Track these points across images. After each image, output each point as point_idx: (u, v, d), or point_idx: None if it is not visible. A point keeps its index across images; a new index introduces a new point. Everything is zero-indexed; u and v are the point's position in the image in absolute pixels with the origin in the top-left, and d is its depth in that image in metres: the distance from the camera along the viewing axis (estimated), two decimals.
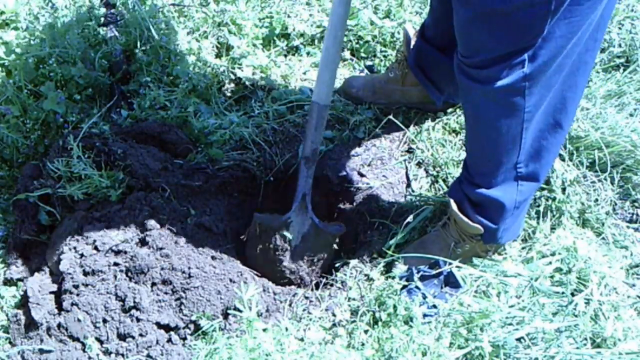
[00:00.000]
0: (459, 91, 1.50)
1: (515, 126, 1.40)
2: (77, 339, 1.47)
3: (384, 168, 1.99)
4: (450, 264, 1.62)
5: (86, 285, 1.52)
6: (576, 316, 1.50)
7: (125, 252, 1.58)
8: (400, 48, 2.06)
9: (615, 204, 1.90)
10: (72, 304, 1.49)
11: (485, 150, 1.51)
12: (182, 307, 1.55)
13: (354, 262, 1.69)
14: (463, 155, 1.99)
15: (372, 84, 2.12)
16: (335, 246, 1.87)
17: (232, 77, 2.27)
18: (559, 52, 1.26)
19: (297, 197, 1.78)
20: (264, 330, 1.53)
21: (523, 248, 1.76)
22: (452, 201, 1.63)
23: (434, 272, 1.61)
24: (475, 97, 1.39)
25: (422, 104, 2.08)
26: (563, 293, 1.57)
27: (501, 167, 1.50)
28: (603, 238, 1.80)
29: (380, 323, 1.51)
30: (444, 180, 1.94)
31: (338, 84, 2.27)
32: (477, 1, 1.19)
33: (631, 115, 2.06)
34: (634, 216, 1.89)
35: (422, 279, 1.60)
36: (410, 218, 1.79)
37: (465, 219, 1.59)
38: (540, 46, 1.23)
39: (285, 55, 2.40)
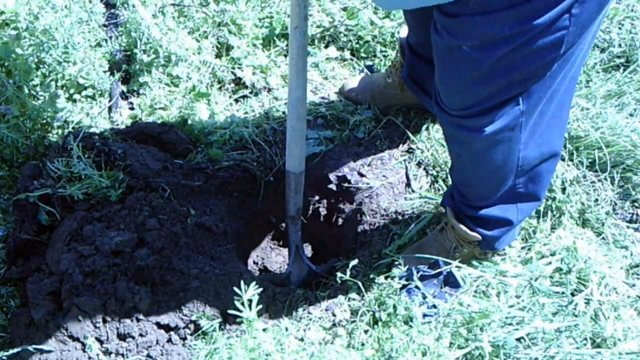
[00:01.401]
0: (447, 138, 1.45)
1: (512, 157, 1.37)
2: (77, 339, 1.47)
3: (384, 168, 1.99)
4: (449, 263, 1.62)
5: (86, 285, 1.52)
6: (576, 316, 1.50)
7: (125, 252, 1.57)
8: (397, 50, 2.05)
9: (615, 204, 1.90)
10: (72, 304, 1.49)
11: (482, 181, 1.48)
12: (182, 307, 1.55)
13: (354, 262, 1.69)
14: None
15: (370, 88, 2.11)
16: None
17: (232, 77, 2.27)
18: (554, 81, 1.23)
19: (290, 251, 1.86)
20: (264, 330, 1.53)
21: (523, 248, 1.76)
22: (449, 209, 1.62)
23: (433, 272, 1.61)
24: (472, 144, 1.35)
25: (422, 105, 2.08)
26: (563, 293, 1.57)
27: (499, 192, 1.49)
28: (603, 238, 1.80)
29: (380, 323, 1.50)
30: (444, 181, 1.94)
31: (338, 86, 2.27)
32: (483, 58, 1.12)
33: (631, 115, 2.06)
34: (634, 216, 1.89)
35: (422, 279, 1.60)
36: (411, 222, 1.79)
37: (464, 228, 1.59)
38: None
39: (285, 55, 2.40)
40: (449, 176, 1.93)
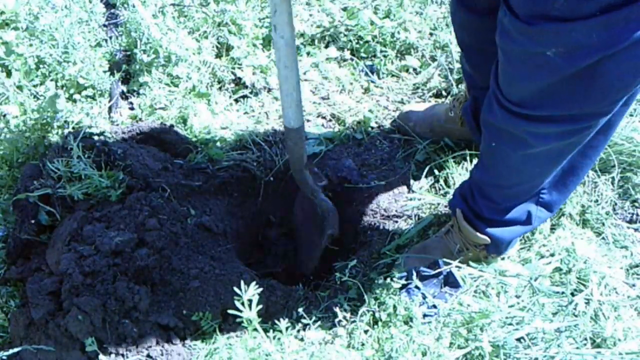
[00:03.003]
0: (498, 138, 1.35)
1: (565, 159, 1.35)
2: (77, 339, 1.47)
3: (384, 168, 1.99)
4: (449, 264, 1.62)
5: (86, 285, 1.52)
6: (576, 316, 1.50)
7: (125, 252, 1.58)
8: (462, 84, 1.96)
9: (615, 204, 1.90)
10: (72, 304, 1.49)
11: (526, 181, 1.44)
12: (182, 307, 1.55)
13: (353, 262, 1.69)
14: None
15: (430, 122, 2.03)
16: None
17: (232, 77, 2.27)
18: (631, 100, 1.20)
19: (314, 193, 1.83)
20: (264, 330, 1.53)
21: (522, 248, 1.76)
22: (458, 211, 1.62)
23: (433, 272, 1.61)
24: (535, 148, 1.28)
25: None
26: (563, 293, 1.57)
27: (533, 191, 1.47)
28: (603, 238, 1.80)
29: (380, 323, 1.50)
30: (445, 181, 1.94)
31: (339, 86, 2.27)
32: (567, 66, 1.05)
33: (631, 115, 2.06)
34: (634, 216, 1.89)
35: (422, 279, 1.60)
36: (411, 222, 1.79)
37: (473, 231, 1.58)
38: None
39: None
40: (450, 177, 1.93)
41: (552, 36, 1.01)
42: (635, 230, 1.84)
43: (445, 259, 1.62)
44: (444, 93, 2.24)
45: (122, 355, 1.47)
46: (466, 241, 1.62)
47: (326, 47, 2.42)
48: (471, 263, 1.67)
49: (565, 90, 1.11)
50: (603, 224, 1.81)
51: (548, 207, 1.53)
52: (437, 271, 1.61)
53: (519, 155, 1.34)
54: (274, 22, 1.37)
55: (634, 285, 1.64)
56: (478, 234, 1.57)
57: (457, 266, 1.62)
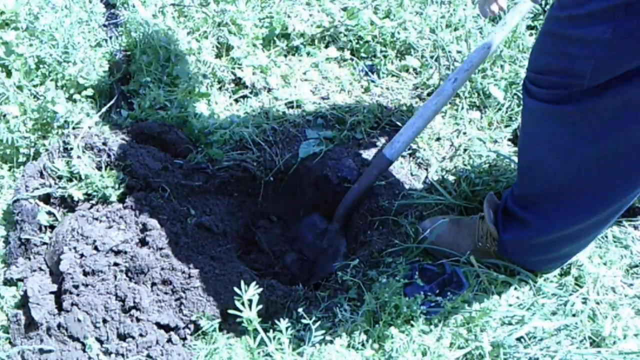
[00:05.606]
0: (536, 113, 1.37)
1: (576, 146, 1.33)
2: (77, 339, 1.47)
3: None
4: (455, 264, 1.62)
5: (86, 285, 1.52)
6: (575, 316, 1.50)
7: (125, 252, 1.58)
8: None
9: None
10: (72, 304, 1.49)
11: (549, 169, 1.41)
12: (182, 307, 1.55)
13: (354, 262, 1.69)
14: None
15: None
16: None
17: (232, 77, 2.27)
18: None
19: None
20: (264, 330, 1.53)
21: None
22: (488, 196, 1.62)
23: (437, 270, 1.61)
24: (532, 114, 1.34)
25: None
26: (562, 290, 1.57)
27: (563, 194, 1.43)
28: (603, 237, 1.80)
29: (380, 323, 1.51)
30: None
31: (339, 86, 2.27)
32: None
33: None
34: (635, 215, 1.89)
35: (424, 277, 1.60)
36: (411, 222, 1.79)
37: (489, 214, 1.58)
38: None
39: (285, 55, 2.40)
40: (451, 177, 1.93)
41: None
42: (635, 228, 1.85)
43: (448, 260, 1.62)
44: None
45: (122, 355, 1.47)
46: (485, 229, 1.62)
47: (326, 47, 2.42)
48: (472, 263, 1.67)
49: (559, 52, 1.17)
50: None
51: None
52: (440, 271, 1.61)
53: (542, 131, 1.34)
54: (457, 75, 1.58)
55: (631, 284, 1.64)
56: (490, 223, 1.57)
57: (458, 266, 1.62)
